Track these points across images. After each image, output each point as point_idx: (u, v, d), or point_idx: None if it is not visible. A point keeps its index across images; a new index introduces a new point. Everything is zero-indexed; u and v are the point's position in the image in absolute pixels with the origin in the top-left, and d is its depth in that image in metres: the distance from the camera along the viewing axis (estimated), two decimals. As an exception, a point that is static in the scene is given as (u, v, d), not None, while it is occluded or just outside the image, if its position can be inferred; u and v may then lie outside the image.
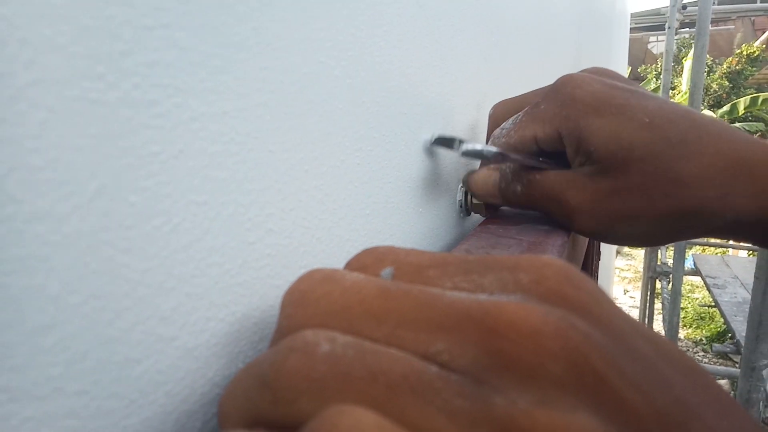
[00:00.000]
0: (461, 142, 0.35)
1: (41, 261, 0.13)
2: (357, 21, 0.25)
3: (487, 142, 0.43)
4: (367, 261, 0.19)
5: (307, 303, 0.16)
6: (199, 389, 0.18)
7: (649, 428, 0.13)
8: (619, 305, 0.16)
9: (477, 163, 0.45)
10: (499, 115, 0.42)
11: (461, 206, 0.43)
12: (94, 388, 0.15)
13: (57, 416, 0.14)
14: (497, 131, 0.40)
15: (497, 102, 0.43)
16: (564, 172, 0.37)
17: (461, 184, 0.43)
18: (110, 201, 0.14)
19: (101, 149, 0.14)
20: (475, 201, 0.42)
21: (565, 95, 0.36)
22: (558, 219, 0.38)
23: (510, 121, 0.40)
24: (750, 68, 9.07)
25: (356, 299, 0.16)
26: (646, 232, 0.35)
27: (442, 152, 0.38)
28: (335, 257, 0.26)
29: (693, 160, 0.32)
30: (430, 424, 0.13)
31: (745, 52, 9.09)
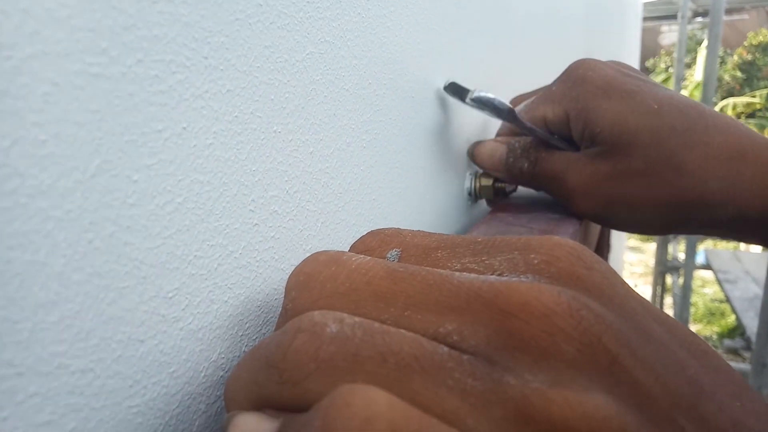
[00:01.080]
0: (473, 91, 0.34)
1: (44, 237, 0.13)
2: (364, 1, 0.25)
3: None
4: (372, 243, 0.19)
5: (313, 285, 0.16)
6: (203, 371, 0.18)
7: (662, 408, 0.13)
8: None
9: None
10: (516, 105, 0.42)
11: (470, 194, 0.42)
12: (97, 366, 0.15)
13: (61, 393, 0.14)
14: None
15: (515, 96, 0.43)
16: (569, 153, 0.37)
17: (469, 171, 0.43)
18: (113, 178, 0.14)
19: (104, 125, 0.14)
20: (483, 183, 0.42)
21: (576, 76, 0.36)
22: (558, 199, 0.38)
23: (522, 104, 0.40)
24: (763, 58, 8.96)
25: (363, 281, 0.15)
26: (645, 219, 0.35)
27: (452, 138, 0.38)
28: (340, 242, 0.26)
29: (698, 150, 0.32)
30: (442, 404, 0.12)
31: (753, 41, 8.98)
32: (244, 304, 0.20)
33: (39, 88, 0.12)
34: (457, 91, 0.35)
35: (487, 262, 0.16)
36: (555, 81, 0.38)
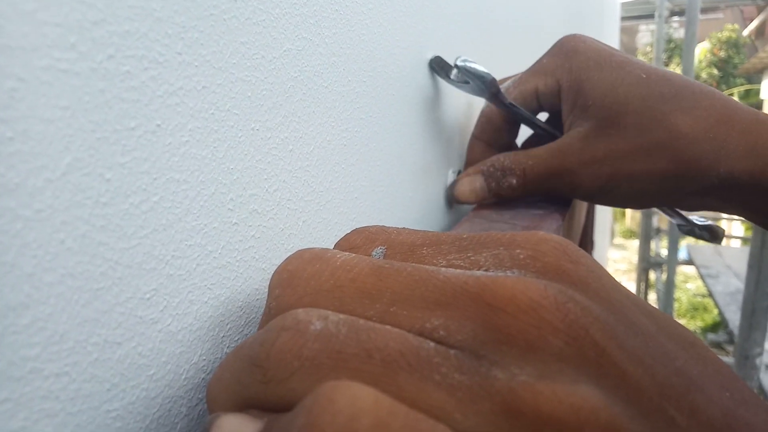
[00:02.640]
0: (459, 58, 0.35)
1: (13, 237, 0.12)
2: (340, -2, 0.25)
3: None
4: (357, 241, 0.18)
5: (297, 283, 0.16)
6: (184, 374, 0.18)
7: (651, 400, 0.12)
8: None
9: (468, 130, 0.44)
10: None
11: (449, 199, 0.42)
12: (73, 370, 0.14)
13: (35, 398, 0.13)
14: None
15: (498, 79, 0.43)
16: (556, 143, 0.37)
17: (452, 170, 0.42)
18: (84, 176, 0.14)
19: (74, 122, 0.13)
20: None
21: (569, 48, 0.37)
22: (561, 191, 0.38)
23: (510, 80, 0.40)
24: (736, 55, 9.09)
25: (348, 278, 0.15)
26: (644, 190, 0.35)
27: (434, 136, 0.38)
28: (322, 241, 0.25)
29: (687, 113, 0.33)
30: (428, 399, 0.12)
31: (721, 38, 9.11)
32: (225, 305, 0.20)
33: (4, 84, 0.12)
34: (441, 66, 0.36)
35: (472, 258, 0.16)
36: (545, 55, 0.39)
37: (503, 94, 0.36)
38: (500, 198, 0.39)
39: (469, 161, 0.42)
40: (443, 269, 0.15)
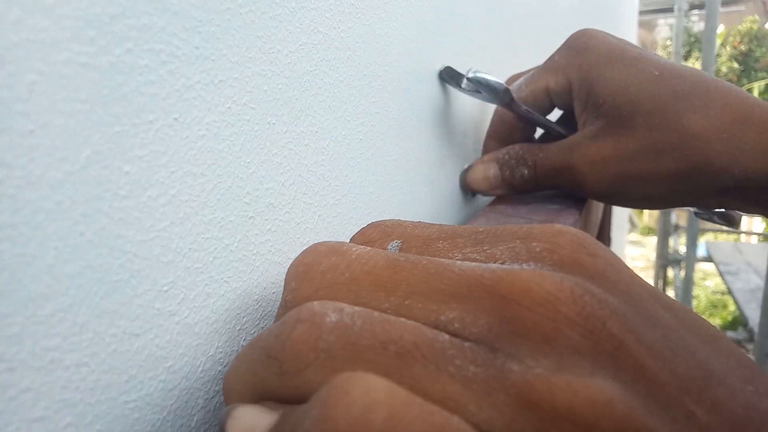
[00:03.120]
0: (470, 70, 0.34)
1: (34, 228, 0.13)
2: (356, -8, 0.25)
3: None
4: (373, 234, 0.18)
5: (313, 276, 0.16)
6: (201, 366, 0.18)
7: (670, 394, 0.12)
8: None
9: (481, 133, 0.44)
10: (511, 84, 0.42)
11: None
12: (92, 361, 0.14)
13: (55, 388, 0.13)
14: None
15: (510, 75, 0.43)
16: (567, 140, 0.37)
17: (468, 164, 0.42)
18: (104, 169, 0.14)
19: (93, 115, 0.14)
20: None
21: (579, 45, 0.36)
22: (569, 188, 0.38)
23: (522, 78, 0.39)
24: (757, 48, 8.94)
25: (363, 270, 0.15)
26: (655, 192, 0.35)
27: (449, 131, 0.38)
28: (338, 235, 0.25)
29: (700, 112, 0.32)
30: (443, 391, 0.12)
31: (741, 30, 8.96)
32: (242, 298, 0.20)
33: (25, 77, 0.12)
34: (452, 76, 0.35)
35: (488, 251, 0.16)
36: (557, 51, 0.38)
37: (517, 102, 0.36)
38: (513, 189, 0.39)
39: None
40: (458, 262, 0.15)
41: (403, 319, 0.14)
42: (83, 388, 0.14)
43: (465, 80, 0.34)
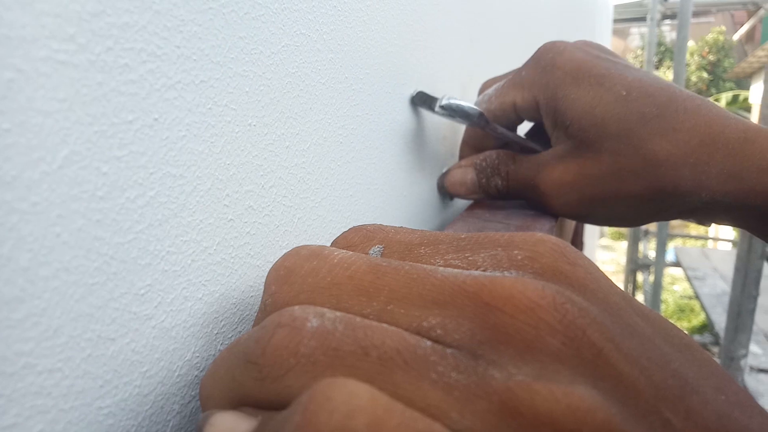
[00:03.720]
0: (443, 98, 0.34)
1: (9, 230, 0.12)
2: (339, -5, 0.25)
3: None
4: (354, 239, 0.18)
5: (294, 280, 0.16)
6: (177, 371, 0.18)
7: (647, 401, 0.12)
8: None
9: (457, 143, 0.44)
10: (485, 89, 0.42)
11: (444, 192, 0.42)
12: (66, 366, 0.14)
13: (27, 394, 0.13)
14: (479, 98, 0.40)
15: (486, 79, 0.43)
16: (537, 156, 0.37)
17: (446, 169, 0.42)
18: (81, 170, 0.14)
19: (71, 114, 0.13)
20: None
21: (546, 61, 0.36)
22: (535, 205, 0.38)
23: (492, 88, 0.39)
24: (725, 58, 9.17)
25: (345, 275, 0.15)
26: (622, 214, 0.35)
27: (428, 135, 0.38)
28: (317, 238, 0.25)
29: (667, 137, 0.32)
30: (425, 397, 0.12)
31: (708, 41, 9.18)
32: (219, 302, 0.19)
33: (2, 75, 0.12)
34: (425, 100, 0.35)
35: (470, 258, 0.16)
36: (524, 65, 0.37)
37: (492, 124, 0.36)
38: (489, 196, 0.39)
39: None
40: (441, 268, 0.15)
41: (384, 325, 0.14)
42: (56, 393, 0.14)
43: (438, 106, 0.34)
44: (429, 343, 0.13)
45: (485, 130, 0.37)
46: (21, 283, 0.13)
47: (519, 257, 0.15)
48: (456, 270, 0.15)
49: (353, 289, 0.15)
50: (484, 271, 0.15)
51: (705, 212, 0.33)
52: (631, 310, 0.15)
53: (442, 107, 0.34)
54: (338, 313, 0.14)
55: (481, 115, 0.34)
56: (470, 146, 0.42)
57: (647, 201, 0.33)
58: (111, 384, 0.15)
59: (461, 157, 0.42)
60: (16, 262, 0.12)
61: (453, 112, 0.34)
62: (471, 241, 0.17)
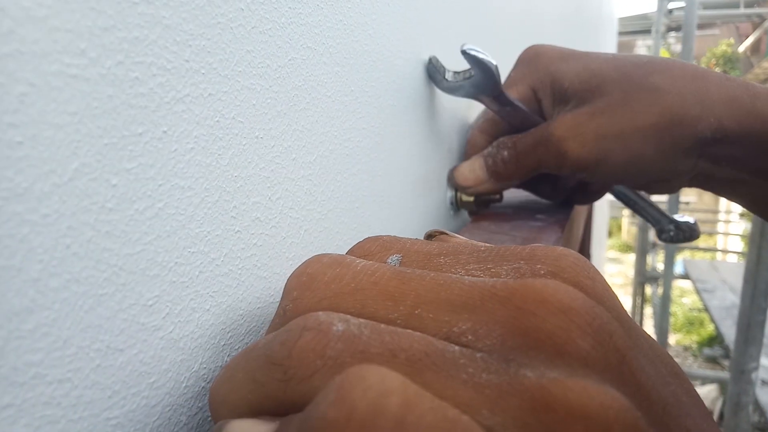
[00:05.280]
0: (463, 45, 0.35)
1: (20, 241, 0.12)
2: (345, 8, 0.25)
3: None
4: (372, 248, 0.18)
5: (317, 286, 0.16)
6: (185, 382, 0.18)
7: (657, 414, 0.13)
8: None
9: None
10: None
11: (452, 203, 0.42)
12: (75, 376, 0.14)
13: (37, 404, 0.13)
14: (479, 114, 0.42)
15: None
16: (545, 122, 0.38)
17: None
18: (91, 182, 0.14)
19: (82, 127, 0.13)
20: (464, 198, 0.42)
21: (530, 56, 0.39)
22: (551, 162, 0.37)
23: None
24: (731, 70, 9.17)
25: (370, 281, 0.15)
26: (641, 151, 0.35)
27: (434, 148, 0.38)
28: (324, 250, 0.25)
29: (663, 74, 0.34)
30: (455, 396, 0.12)
31: (716, 53, 9.20)
32: (227, 313, 0.20)
33: (15, 89, 0.12)
34: (438, 69, 0.35)
35: (492, 270, 0.16)
36: (512, 70, 0.40)
37: (505, 94, 0.36)
38: (498, 179, 0.39)
39: (468, 153, 0.43)
40: (466, 277, 0.15)
41: (410, 331, 0.14)
42: (65, 404, 0.14)
43: (449, 72, 0.35)
44: (457, 348, 0.13)
45: (499, 99, 0.37)
46: (31, 294, 0.13)
47: (542, 271, 0.15)
48: (480, 279, 0.15)
49: (378, 294, 0.15)
50: None
51: (713, 150, 0.34)
52: (640, 331, 0.15)
53: (462, 52, 0.34)
54: (363, 319, 0.14)
55: (496, 67, 0.35)
56: (481, 130, 0.42)
57: (661, 130, 0.34)
58: (119, 395, 0.16)
59: (471, 145, 0.43)
60: (26, 273, 0.13)
61: (472, 59, 0.34)
62: (492, 252, 0.17)
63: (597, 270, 0.16)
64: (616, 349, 0.13)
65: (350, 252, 0.19)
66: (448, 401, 0.12)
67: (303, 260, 0.17)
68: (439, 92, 0.38)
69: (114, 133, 0.14)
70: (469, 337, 0.13)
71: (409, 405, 0.11)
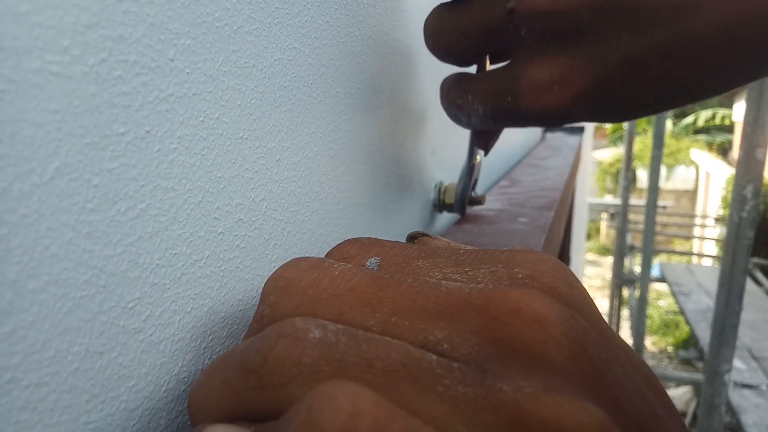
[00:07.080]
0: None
1: (-3, 242, 0.12)
2: (331, 10, 0.25)
3: None
4: (351, 250, 0.18)
5: (294, 291, 0.15)
6: (165, 385, 0.18)
7: (632, 429, 0.13)
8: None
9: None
10: None
11: (435, 205, 0.43)
12: (53, 380, 0.14)
13: (13, 409, 0.13)
14: None
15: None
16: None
17: (434, 183, 0.43)
18: (72, 182, 0.14)
19: (63, 126, 0.13)
20: (447, 200, 0.42)
21: None
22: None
23: None
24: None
25: (347, 287, 0.15)
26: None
27: (418, 149, 0.38)
28: (307, 252, 0.25)
29: None
30: (431, 410, 0.12)
31: None
32: (208, 315, 0.19)
33: (-6, 86, 0.12)
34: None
35: (470, 273, 0.16)
36: None
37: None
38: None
39: None
40: (444, 282, 0.15)
41: (388, 338, 0.13)
42: (42, 408, 0.14)
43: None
44: (434, 357, 0.13)
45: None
46: (9, 296, 0.12)
47: (520, 275, 0.15)
48: (459, 284, 0.15)
49: (355, 301, 0.15)
50: (485, 287, 0.15)
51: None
52: (618, 340, 0.15)
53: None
54: (340, 326, 0.14)
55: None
56: None
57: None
58: (98, 399, 0.15)
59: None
60: (4, 274, 0.12)
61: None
62: (470, 255, 0.16)
63: (575, 276, 0.16)
64: (592, 362, 0.13)
65: (330, 254, 0.19)
66: (423, 416, 0.12)
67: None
68: (424, 94, 0.38)
69: (96, 133, 0.14)
70: (445, 346, 0.13)
71: (381, 426, 0.11)
